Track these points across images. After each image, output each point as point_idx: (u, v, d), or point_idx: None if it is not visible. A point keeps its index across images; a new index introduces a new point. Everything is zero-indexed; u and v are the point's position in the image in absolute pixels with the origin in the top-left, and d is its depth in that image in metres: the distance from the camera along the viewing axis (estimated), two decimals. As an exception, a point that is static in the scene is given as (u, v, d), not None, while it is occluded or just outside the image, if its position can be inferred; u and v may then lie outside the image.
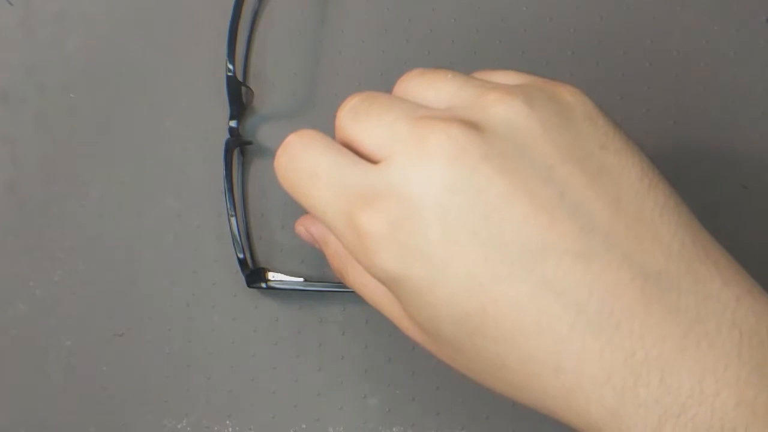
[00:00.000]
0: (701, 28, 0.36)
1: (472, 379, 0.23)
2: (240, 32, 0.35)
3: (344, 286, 0.34)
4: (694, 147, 0.35)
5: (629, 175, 0.21)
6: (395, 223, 0.21)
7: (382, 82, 0.36)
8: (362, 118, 0.24)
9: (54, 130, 0.37)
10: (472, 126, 0.21)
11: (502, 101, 0.22)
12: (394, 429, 0.34)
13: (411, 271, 0.21)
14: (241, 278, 0.34)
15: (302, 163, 0.24)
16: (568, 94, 0.23)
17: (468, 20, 0.37)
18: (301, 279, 0.34)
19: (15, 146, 0.37)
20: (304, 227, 0.29)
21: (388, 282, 0.22)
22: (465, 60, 0.36)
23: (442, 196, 0.21)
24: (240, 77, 0.36)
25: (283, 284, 0.34)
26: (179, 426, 0.34)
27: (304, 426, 0.34)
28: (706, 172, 0.35)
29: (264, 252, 0.36)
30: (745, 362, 0.19)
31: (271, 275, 0.34)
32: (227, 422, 0.34)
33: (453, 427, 0.34)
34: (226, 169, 0.34)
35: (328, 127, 0.26)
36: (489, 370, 0.22)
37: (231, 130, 0.35)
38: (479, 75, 0.25)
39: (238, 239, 0.33)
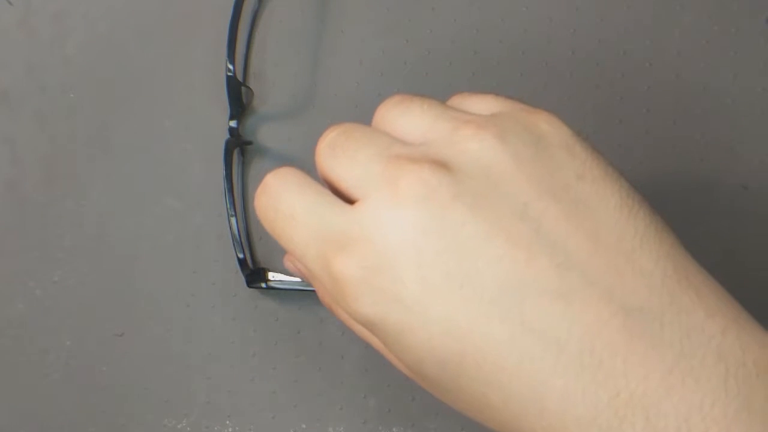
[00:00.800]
0: (701, 28, 0.36)
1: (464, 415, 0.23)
2: (240, 32, 0.35)
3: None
4: (694, 147, 0.35)
5: (608, 205, 0.21)
6: (369, 268, 0.21)
7: (382, 82, 0.36)
8: (339, 155, 0.23)
9: (54, 130, 0.37)
10: (443, 166, 0.21)
11: (474, 137, 0.21)
12: (394, 429, 0.34)
13: (388, 315, 0.21)
14: (241, 278, 0.34)
15: (280, 204, 0.24)
16: (544, 123, 0.22)
17: (468, 20, 0.37)
18: (301, 279, 0.34)
19: (15, 146, 0.37)
20: (291, 263, 0.28)
21: (367, 326, 0.22)
22: (465, 60, 0.36)
23: (416, 239, 0.20)
24: (240, 77, 0.36)
25: (283, 284, 0.34)
26: (179, 426, 0.34)
27: (304, 426, 0.34)
28: (706, 172, 0.35)
29: (264, 252, 0.36)
30: (732, 398, 0.18)
31: (271, 275, 0.34)
32: (227, 422, 0.34)
33: (453, 427, 0.34)
34: (226, 169, 0.34)
35: (327, 127, 0.26)
36: (477, 408, 0.21)
37: (231, 130, 0.35)
38: (456, 99, 0.25)
39: (238, 239, 0.33)
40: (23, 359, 0.35)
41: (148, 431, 0.34)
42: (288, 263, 0.28)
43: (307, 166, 0.24)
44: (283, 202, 0.24)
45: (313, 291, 0.34)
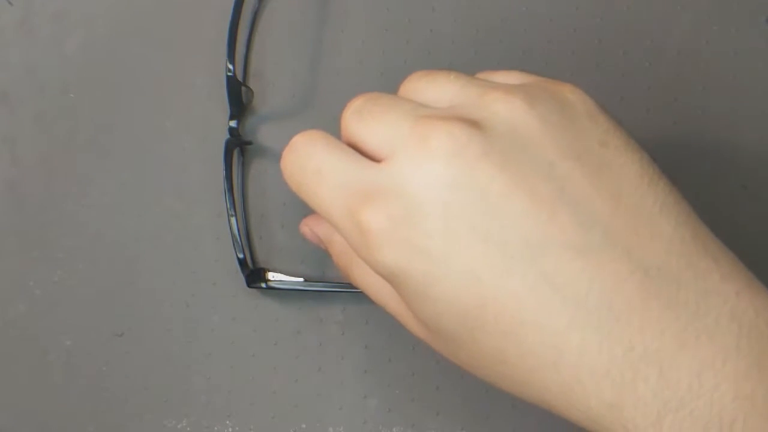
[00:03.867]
0: (701, 28, 0.36)
1: (473, 375, 0.23)
2: (240, 32, 0.35)
3: (344, 286, 0.34)
4: (694, 147, 0.35)
5: (629, 172, 0.21)
6: (396, 218, 0.21)
7: (382, 82, 0.36)
8: (366, 118, 0.24)
9: (54, 130, 0.37)
10: (473, 124, 0.21)
11: (502, 100, 0.22)
12: (394, 429, 0.34)
13: (412, 266, 0.21)
14: (241, 278, 0.34)
15: (307, 161, 0.24)
16: (569, 93, 0.23)
17: (468, 20, 0.37)
18: (301, 279, 0.34)
19: (15, 146, 0.37)
20: (308, 228, 0.29)
21: (390, 278, 0.22)
22: (465, 60, 0.36)
23: (443, 193, 0.21)
24: (240, 77, 0.36)
25: (283, 284, 0.34)
26: (179, 426, 0.34)
27: (304, 426, 0.34)
28: (706, 172, 0.35)
29: (264, 252, 0.36)
30: (743, 356, 0.19)
31: (271, 275, 0.34)
32: (227, 422, 0.34)
33: (453, 427, 0.34)
34: (226, 169, 0.34)
35: (328, 128, 0.26)
36: (490, 365, 0.22)
37: (231, 130, 0.35)
38: (482, 76, 0.25)
39: (238, 239, 0.33)
40: (23, 359, 0.35)
41: (148, 431, 0.34)
42: (305, 228, 0.29)
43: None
44: (311, 159, 0.24)
45: (314, 291, 0.34)
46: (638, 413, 0.19)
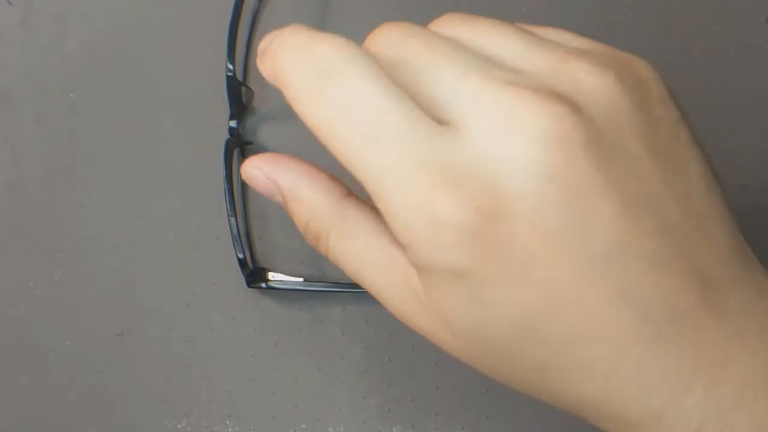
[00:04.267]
0: (701, 28, 0.36)
1: (470, 374, 0.22)
2: (240, 32, 0.35)
3: (344, 286, 0.34)
4: (694, 147, 0.35)
5: (696, 172, 0.20)
6: (484, 213, 0.18)
7: (382, 82, 0.36)
8: (414, 58, 0.19)
9: (54, 130, 0.37)
10: (573, 104, 0.18)
11: (594, 74, 0.19)
12: (394, 429, 0.34)
13: (483, 268, 0.18)
14: (241, 278, 0.34)
15: (353, 99, 0.19)
16: (644, 70, 0.20)
17: (468, 20, 0.37)
18: (301, 279, 0.34)
19: (15, 146, 0.37)
20: (259, 170, 0.23)
21: (441, 275, 0.19)
22: (465, 60, 0.36)
23: (539, 186, 0.18)
24: (240, 77, 0.36)
25: (283, 284, 0.34)
26: (179, 426, 0.34)
27: (304, 426, 0.34)
28: (706, 172, 0.35)
29: (264, 252, 0.36)
30: None
31: (271, 275, 0.34)
32: (227, 422, 0.34)
33: (453, 427, 0.34)
34: (226, 169, 0.34)
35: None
36: (528, 375, 0.20)
37: (231, 130, 0.35)
38: (529, 29, 0.21)
39: (238, 239, 0.33)
40: (23, 359, 0.35)
41: (148, 431, 0.34)
42: (254, 171, 0.23)
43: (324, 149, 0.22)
44: (360, 98, 0.18)
45: (314, 291, 0.34)
46: (679, 423, 0.19)
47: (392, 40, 0.20)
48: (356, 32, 0.37)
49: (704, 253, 0.19)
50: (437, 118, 0.19)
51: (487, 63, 0.19)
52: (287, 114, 0.37)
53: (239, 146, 0.35)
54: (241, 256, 0.33)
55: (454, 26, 0.21)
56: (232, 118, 0.35)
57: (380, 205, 0.19)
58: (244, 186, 0.36)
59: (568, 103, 0.18)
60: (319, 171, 0.22)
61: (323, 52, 0.19)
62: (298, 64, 0.19)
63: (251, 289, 0.34)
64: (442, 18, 0.21)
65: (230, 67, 0.34)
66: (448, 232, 0.18)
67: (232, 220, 0.33)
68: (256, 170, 0.23)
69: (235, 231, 0.33)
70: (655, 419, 0.19)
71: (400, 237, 0.19)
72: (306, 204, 0.22)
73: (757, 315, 0.19)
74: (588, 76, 0.19)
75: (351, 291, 0.34)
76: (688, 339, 0.19)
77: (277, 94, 0.38)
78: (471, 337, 0.20)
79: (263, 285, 0.34)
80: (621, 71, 0.19)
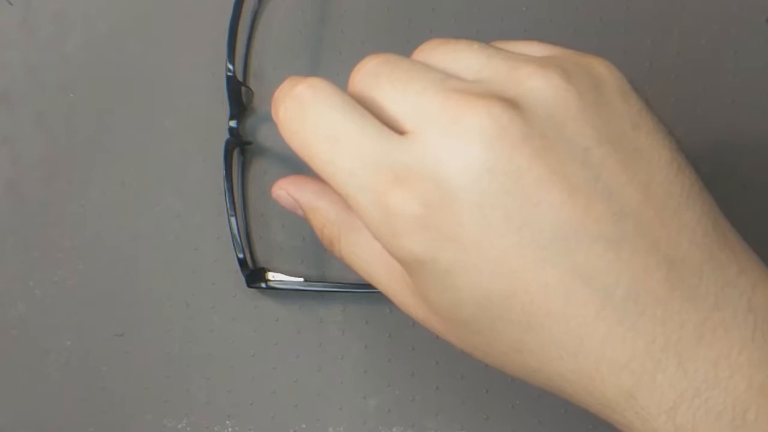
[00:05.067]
0: (701, 28, 0.36)
1: (478, 359, 0.23)
2: (240, 32, 0.35)
3: (344, 286, 0.34)
4: (694, 147, 0.35)
5: (660, 158, 0.21)
6: (429, 205, 0.20)
7: (382, 82, 0.36)
8: (384, 83, 0.22)
9: (54, 130, 0.37)
10: (512, 104, 0.20)
11: (538, 75, 0.21)
12: (394, 429, 0.34)
13: (440, 254, 0.20)
14: (241, 278, 0.34)
15: (319, 121, 0.22)
16: (602, 67, 0.22)
17: (468, 20, 0.37)
18: (301, 279, 0.34)
19: (15, 146, 0.37)
20: (285, 191, 0.27)
21: (410, 263, 0.21)
22: (465, 60, 0.36)
23: (480, 179, 0.20)
24: (240, 77, 0.36)
25: (283, 284, 0.34)
26: (179, 426, 0.34)
27: (304, 426, 0.34)
28: (706, 172, 0.35)
29: (264, 252, 0.36)
30: (758, 347, 0.19)
31: (271, 275, 0.34)
32: (227, 422, 0.34)
33: (453, 427, 0.34)
34: (226, 169, 0.34)
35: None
36: (506, 352, 0.21)
37: (231, 130, 0.35)
38: (499, 45, 0.24)
39: (238, 239, 0.33)
40: (23, 359, 0.35)
41: (148, 431, 0.34)
42: (280, 191, 0.27)
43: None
44: (324, 120, 0.22)
45: (314, 291, 0.34)
46: (653, 402, 0.19)
47: (369, 69, 0.23)
48: (356, 32, 0.37)
49: (671, 236, 0.20)
50: (400, 131, 0.21)
51: (446, 78, 0.22)
52: (287, 114, 0.37)
53: (239, 146, 0.35)
54: (241, 256, 0.33)
55: (429, 51, 0.23)
56: (232, 118, 0.35)
57: (352, 208, 0.22)
58: (244, 186, 0.36)
59: (508, 102, 0.20)
60: (328, 186, 0.25)
61: (299, 90, 0.22)
62: (285, 102, 0.23)
63: (251, 289, 0.34)
64: (422, 46, 0.23)
65: (230, 67, 0.34)
66: (400, 222, 0.20)
67: (232, 220, 0.33)
68: (282, 191, 0.27)
69: (235, 231, 0.33)
70: (630, 397, 0.20)
71: (373, 234, 0.22)
72: (320, 213, 0.26)
73: (735, 295, 0.20)
74: (533, 79, 0.21)
75: (351, 291, 0.34)
76: (656, 317, 0.19)
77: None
78: (449, 317, 0.22)
79: (263, 285, 0.34)
80: (572, 72, 0.21)
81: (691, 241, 0.20)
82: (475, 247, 0.20)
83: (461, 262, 0.20)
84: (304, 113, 0.22)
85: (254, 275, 0.34)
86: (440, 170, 0.20)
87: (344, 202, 0.24)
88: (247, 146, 0.36)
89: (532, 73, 0.21)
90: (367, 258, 0.24)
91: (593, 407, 0.21)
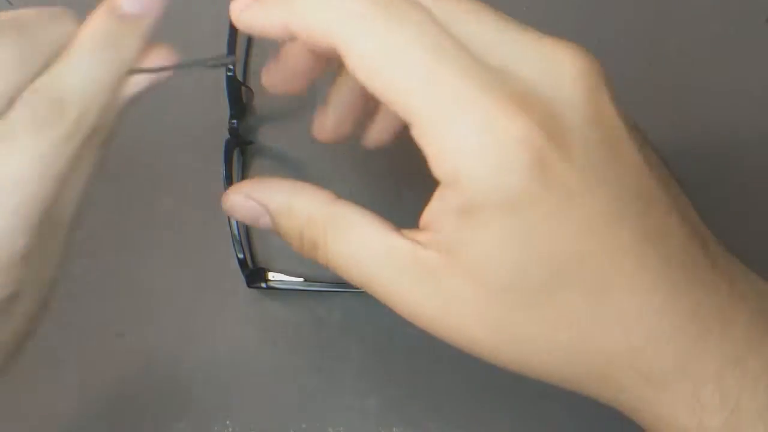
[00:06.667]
0: (701, 28, 0.36)
1: (498, 348, 0.21)
2: (240, 32, 0.35)
3: (344, 286, 0.34)
4: (694, 147, 0.35)
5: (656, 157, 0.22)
6: (552, 137, 0.19)
7: (382, 82, 0.36)
8: (463, 10, 0.21)
9: (54, 130, 0.37)
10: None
11: (570, 47, 0.21)
12: (393, 429, 0.34)
13: (540, 194, 0.19)
14: (241, 278, 0.34)
15: (419, 29, 0.20)
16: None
17: (468, 20, 0.37)
18: (301, 279, 0.34)
19: (15, 146, 0.37)
20: (243, 195, 0.23)
21: (493, 208, 0.19)
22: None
23: (585, 123, 0.20)
24: (240, 77, 0.36)
25: (283, 284, 0.34)
26: (179, 426, 0.34)
27: (304, 426, 0.34)
28: (706, 172, 0.35)
29: (264, 252, 0.36)
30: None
31: (271, 275, 0.34)
32: (227, 422, 0.34)
33: (453, 427, 0.34)
34: (226, 169, 0.34)
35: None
36: (546, 334, 0.20)
37: (231, 130, 0.35)
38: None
39: (238, 239, 0.33)
40: (23, 359, 0.35)
41: (148, 431, 0.34)
42: (237, 197, 0.24)
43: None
44: (423, 30, 0.20)
45: (314, 291, 0.34)
46: (700, 366, 0.20)
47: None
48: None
49: (695, 217, 0.22)
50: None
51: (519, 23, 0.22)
52: (287, 114, 0.37)
53: (239, 146, 0.35)
54: (241, 256, 0.33)
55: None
56: (232, 118, 0.35)
57: (429, 137, 0.19)
58: (244, 186, 0.36)
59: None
60: (304, 183, 0.23)
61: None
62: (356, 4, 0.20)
63: (251, 289, 0.34)
64: None
65: (230, 67, 0.34)
66: (518, 152, 0.18)
67: (232, 220, 0.33)
68: (238, 196, 0.23)
69: (235, 231, 0.33)
70: (680, 372, 0.20)
71: (453, 170, 0.19)
72: (298, 212, 0.23)
73: (741, 269, 0.22)
74: (564, 50, 0.21)
75: (351, 291, 0.34)
76: (701, 283, 0.20)
77: (277, 95, 0.38)
78: (507, 285, 0.20)
79: (263, 285, 0.34)
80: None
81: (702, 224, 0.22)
82: (568, 192, 0.19)
83: (550, 207, 0.19)
84: (396, 16, 0.20)
85: (254, 275, 0.34)
86: (554, 106, 0.19)
87: (329, 196, 0.22)
88: (247, 146, 0.36)
89: (561, 45, 0.22)
90: (364, 253, 0.22)
91: (638, 388, 0.20)
